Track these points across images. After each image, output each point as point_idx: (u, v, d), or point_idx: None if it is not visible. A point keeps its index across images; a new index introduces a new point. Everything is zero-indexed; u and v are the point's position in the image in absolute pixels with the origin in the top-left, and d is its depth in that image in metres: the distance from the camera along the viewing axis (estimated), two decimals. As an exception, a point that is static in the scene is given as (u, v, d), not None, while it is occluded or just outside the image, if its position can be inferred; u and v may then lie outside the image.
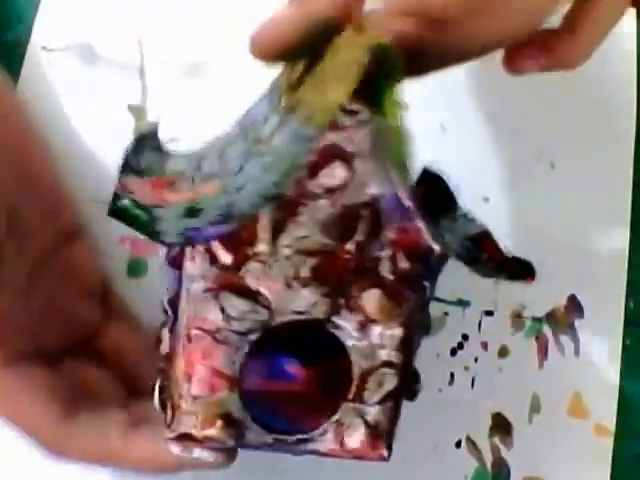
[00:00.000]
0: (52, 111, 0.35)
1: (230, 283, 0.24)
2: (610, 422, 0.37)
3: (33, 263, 0.29)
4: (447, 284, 0.37)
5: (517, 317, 0.37)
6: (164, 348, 0.27)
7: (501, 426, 0.36)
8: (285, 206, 0.23)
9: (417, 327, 0.26)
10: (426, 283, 0.26)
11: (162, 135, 0.28)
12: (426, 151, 0.38)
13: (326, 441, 0.26)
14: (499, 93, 0.39)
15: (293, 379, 0.25)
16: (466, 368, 0.36)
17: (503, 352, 0.37)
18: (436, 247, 0.24)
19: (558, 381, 0.37)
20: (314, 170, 0.23)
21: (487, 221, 0.38)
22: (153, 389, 0.27)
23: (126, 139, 0.35)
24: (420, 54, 0.25)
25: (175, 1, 0.37)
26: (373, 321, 0.25)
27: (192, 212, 0.23)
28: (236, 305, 0.24)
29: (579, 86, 0.40)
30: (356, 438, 0.26)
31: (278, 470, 0.33)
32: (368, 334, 0.25)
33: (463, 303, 0.37)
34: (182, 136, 0.36)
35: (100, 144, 0.35)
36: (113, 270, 0.33)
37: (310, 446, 0.26)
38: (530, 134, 0.39)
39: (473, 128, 0.39)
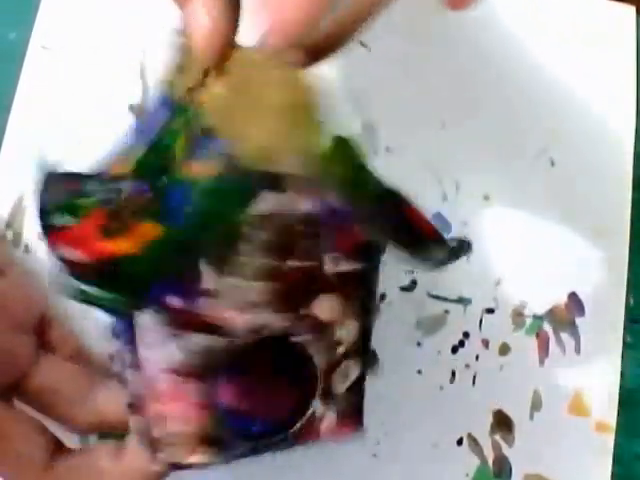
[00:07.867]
0: (52, 111, 0.35)
1: (185, 322, 0.24)
2: (611, 419, 0.37)
3: None
4: (448, 282, 0.37)
5: (518, 315, 0.37)
6: (133, 389, 0.26)
7: (502, 423, 0.36)
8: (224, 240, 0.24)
9: (370, 313, 0.27)
10: (370, 274, 0.27)
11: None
12: (426, 150, 0.38)
13: (303, 434, 0.27)
14: (499, 92, 0.39)
15: (266, 390, 0.26)
16: (467, 366, 0.36)
17: (504, 350, 0.37)
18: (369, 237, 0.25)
19: (559, 378, 0.37)
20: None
21: (487, 219, 0.38)
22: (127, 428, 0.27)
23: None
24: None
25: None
26: (328, 324, 0.26)
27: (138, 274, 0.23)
28: (196, 341, 0.24)
29: (579, 85, 0.40)
30: (329, 424, 0.27)
31: (278, 468, 0.34)
32: (326, 335, 0.26)
33: (464, 301, 0.37)
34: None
35: (100, 144, 0.35)
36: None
37: (289, 443, 0.27)
38: (530, 133, 0.39)
39: (473, 127, 0.39)
